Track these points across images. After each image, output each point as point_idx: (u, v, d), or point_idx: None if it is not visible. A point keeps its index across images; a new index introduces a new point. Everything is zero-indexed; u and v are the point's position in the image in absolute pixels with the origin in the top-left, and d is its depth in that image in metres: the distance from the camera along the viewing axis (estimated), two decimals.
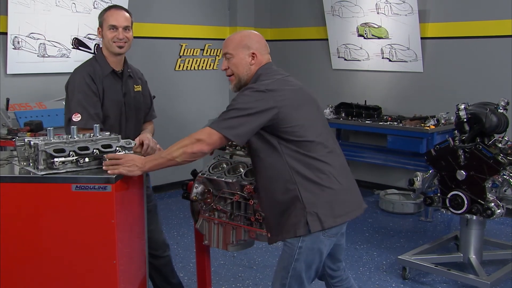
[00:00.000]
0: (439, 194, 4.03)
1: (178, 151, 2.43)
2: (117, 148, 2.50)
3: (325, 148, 2.53)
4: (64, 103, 3.10)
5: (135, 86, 3.21)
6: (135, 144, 2.72)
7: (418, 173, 4.19)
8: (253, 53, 2.58)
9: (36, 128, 4.50)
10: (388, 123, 5.75)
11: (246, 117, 2.40)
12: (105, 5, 5.45)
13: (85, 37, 5.39)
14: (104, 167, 2.41)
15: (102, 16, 3.10)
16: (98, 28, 3.12)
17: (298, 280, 2.54)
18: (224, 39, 2.69)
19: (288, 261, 2.53)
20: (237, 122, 2.40)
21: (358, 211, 2.63)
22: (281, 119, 2.44)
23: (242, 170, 2.82)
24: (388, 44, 6.23)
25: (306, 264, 2.53)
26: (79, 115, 2.89)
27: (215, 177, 2.82)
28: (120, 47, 3.05)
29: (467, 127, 3.94)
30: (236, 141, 2.45)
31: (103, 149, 2.45)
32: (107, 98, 3.03)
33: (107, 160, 2.43)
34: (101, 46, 3.16)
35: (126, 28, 3.06)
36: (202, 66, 6.82)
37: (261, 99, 2.43)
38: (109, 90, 3.05)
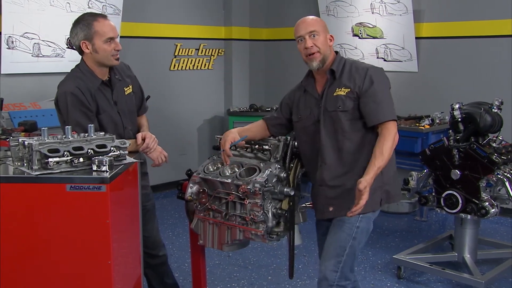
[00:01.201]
0: (433, 194, 4.04)
1: (390, 152, 2.63)
2: (112, 148, 2.50)
3: None
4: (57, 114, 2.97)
5: (125, 89, 3.08)
6: (129, 144, 2.70)
7: (413, 172, 4.20)
8: (332, 36, 2.80)
9: (30, 128, 4.48)
10: None
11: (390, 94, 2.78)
12: (100, 5, 5.45)
13: None
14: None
15: (90, 28, 2.82)
16: (83, 42, 2.85)
17: (352, 257, 2.74)
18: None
19: (346, 240, 2.72)
20: (392, 105, 2.74)
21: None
22: None
23: (237, 170, 2.82)
24: (383, 44, 6.24)
25: (359, 243, 2.75)
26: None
27: (210, 177, 2.82)
28: (117, 59, 2.93)
29: (461, 127, 3.95)
30: None
31: (97, 149, 2.44)
32: (103, 113, 2.93)
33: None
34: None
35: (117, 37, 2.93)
36: (197, 66, 6.81)
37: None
38: (103, 103, 2.93)
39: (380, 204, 2.76)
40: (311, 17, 2.79)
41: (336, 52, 2.84)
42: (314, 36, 2.72)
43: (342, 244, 2.72)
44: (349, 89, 2.69)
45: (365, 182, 2.52)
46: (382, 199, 2.76)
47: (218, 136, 3.05)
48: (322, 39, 2.73)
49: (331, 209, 2.77)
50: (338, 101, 2.70)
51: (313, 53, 2.72)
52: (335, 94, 2.72)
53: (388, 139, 2.62)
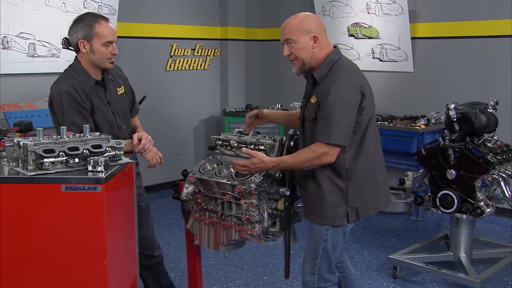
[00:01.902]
0: (429, 194, 4.04)
1: (303, 162, 2.57)
2: (107, 149, 2.49)
3: (376, 136, 2.74)
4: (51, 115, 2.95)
5: (118, 90, 3.08)
6: (125, 144, 2.70)
7: (409, 172, 4.21)
8: (315, 36, 2.62)
9: (25, 129, 4.45)
10: (379, 122, 5.75)
11: (350, 118, 2.54)
12: (96, 5, 5.44)
13: None
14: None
15: (91, 29, 2.82)
16: (81, 42, 2.85)
17: (327, 259, 2.74)
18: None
19: (317, 242, 2.73)
20: (345, 131, 2.52)
21: (387, 203, 2.90)
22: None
23: (232, 170, 2.82)
24: (379, 44, 6.24)
25: (332, 245, 2.73)
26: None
27: (206, 177, 2.82)
28: (112, 62, 2.94)
29: (457, 127, 3.95)
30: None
31: (93, 150, 2.44)
32: (97, 113, 2.92)
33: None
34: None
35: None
36: (193, 66, 6.80)
37: (354, 91, 2.56)
38: (97, 103, 2.93)
39: (347, 220, 2.67)
40: (290, 20, 2.68)
41: (335, 46, 2.74)
42: (289, 43, 2.65)
43: (315, 247, 2.75)
44: (316, 99, 2.62)
45: (257, 154, 2.59)
46: (349, 215, 2.67)
47: (214, 136, 3.06)
48: (298, 45, 2.62)
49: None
50: (308, 108, 2.69)
51: (292, 60, 2.70)
52: (311, 99, 2.67)
53: (311, 153, 2.55)
